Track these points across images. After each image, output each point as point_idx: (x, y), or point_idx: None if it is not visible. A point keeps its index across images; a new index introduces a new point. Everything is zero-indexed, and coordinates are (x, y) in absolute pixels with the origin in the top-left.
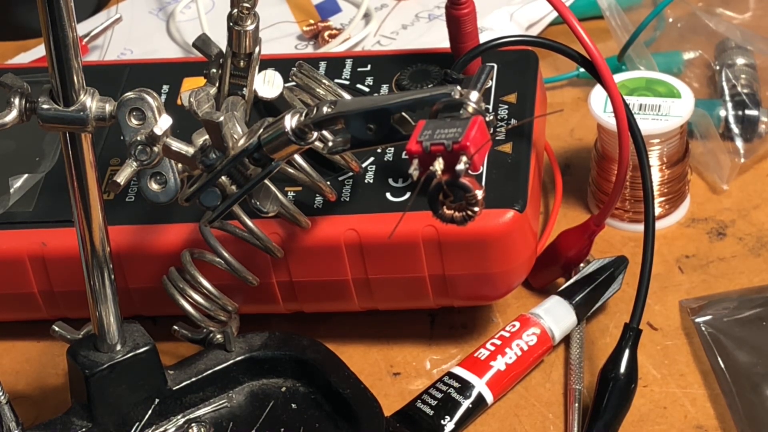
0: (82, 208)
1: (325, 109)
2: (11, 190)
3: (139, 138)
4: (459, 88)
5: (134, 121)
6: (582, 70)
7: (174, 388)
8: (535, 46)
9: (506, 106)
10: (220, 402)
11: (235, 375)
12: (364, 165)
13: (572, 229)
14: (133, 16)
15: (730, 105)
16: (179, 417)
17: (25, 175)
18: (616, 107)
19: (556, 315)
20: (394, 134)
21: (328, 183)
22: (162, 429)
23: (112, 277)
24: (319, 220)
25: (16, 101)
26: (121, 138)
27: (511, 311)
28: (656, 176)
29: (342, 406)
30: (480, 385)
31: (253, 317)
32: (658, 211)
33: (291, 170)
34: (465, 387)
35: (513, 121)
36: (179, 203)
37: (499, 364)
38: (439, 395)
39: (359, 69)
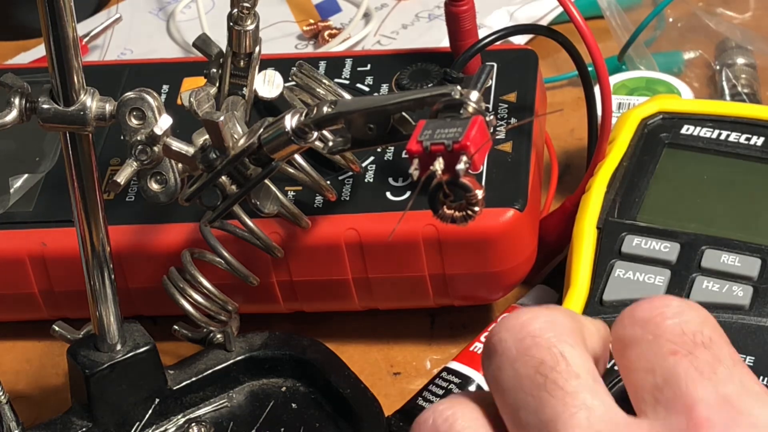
0: (82, 208)
1: (325, 109)
2: (11, 190)
3: (139, 138)
4: (459, 87)
5: (134, 121)
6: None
7: (174, 388)
8: (530, 33)
9: (506, 106)
10: (220, 402)
11: (236, 375)
12: (364, 164)
13: (550, 214)
14: (133, 16)
15: None
16: (179, 417)
17: (25, 175)
18: (604, 97)
19: (543, 303)
20: (394, 134)
21: (328, 182)
22: (162, 429)
23: (112, 277)
24: (319, 220)
25: (16, 101)
26: (121, 138)
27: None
28: None
29: (342, 406)
30: (479, 378)
31: (253, 317)
32: None
33: (291, 170)
34: (465, 382)
35: (513, 121)
36: (179, 203)
37: None
38: (441, 392)
39: (359, 68)
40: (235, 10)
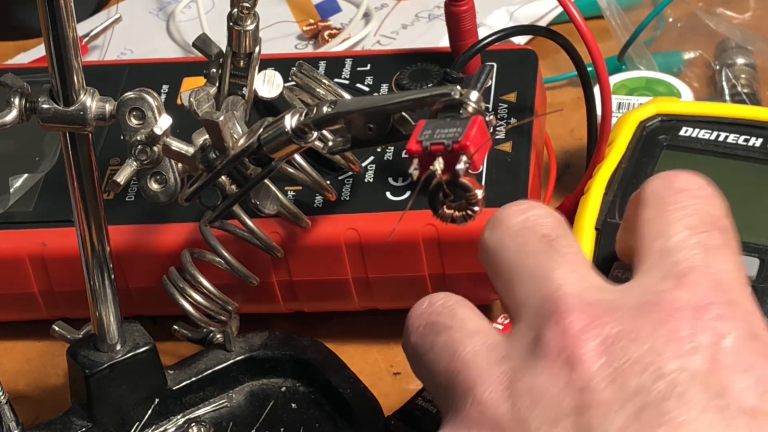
0: (82, 208)
1: (325, 109)
2: (11, 190)
3: (139, 138)
4: (459, 87)
5: (134, 121)
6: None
7: (174, 388)
8: (530, 33)
9: (506, 106)
10: (220, 402)
11: (235, 375)
12: (364, 164)
13: None
14: (133, 16)
15: None
16: (179, 417)
17: (25, 175)
18: (604, 98)
19: None
20: (394, 134)
21: (328, 182)
22: (162, 429)
23: (112, 277)
24: (319, 220)
25: (16, 101)
26: (121, 138)
27: None
28: None
29: (342, 406)
30: None
31: (253, 317)
32: None
33: (291, 170)
34: None
35: (513, 121)
36: (179, 203)
37: None
38: None
39: (359, 68)
40: (235, 10)
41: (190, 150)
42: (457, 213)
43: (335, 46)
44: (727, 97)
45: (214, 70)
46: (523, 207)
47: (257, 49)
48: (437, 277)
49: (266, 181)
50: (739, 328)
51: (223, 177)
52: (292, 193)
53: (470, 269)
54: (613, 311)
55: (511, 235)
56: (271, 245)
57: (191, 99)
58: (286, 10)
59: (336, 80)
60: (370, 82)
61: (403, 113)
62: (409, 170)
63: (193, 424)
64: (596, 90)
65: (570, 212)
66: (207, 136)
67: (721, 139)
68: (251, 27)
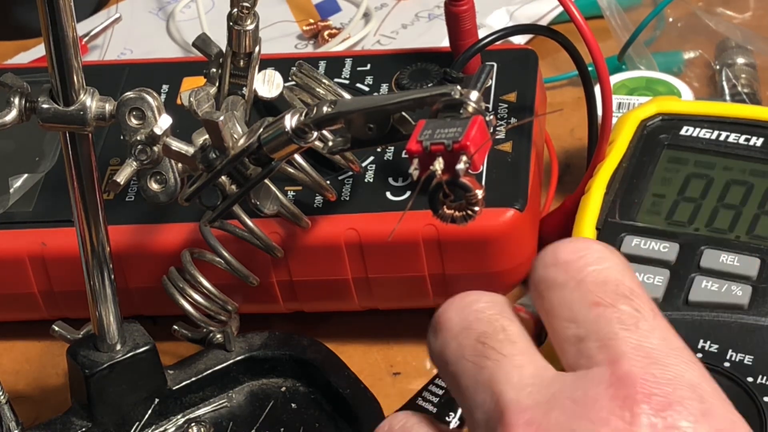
0: (82, 208)
1: (325, 109)
2: (11, 190)
3: (139, 138)
4: (459, 87)
5: (134, 121)
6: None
7: (174, 388)
8: (530, 33)
9: (506, 106)
10: (220, 402)
11: (235, 375)
12: (364, 164)
13: (550, 214)
14: (133, 15)
15: None
16: (179, 417)
17: (25, 175)
18: (605, 98)
19: None
20: (394, 134)
21: (328, 182)
22: (162, 429)
23: (112, 277)
24: (319, 220)
25: (16, 101)
26: (121, 138)
27: None
28: None
29: (342, 406)
30: None
31: (253, 317)
32: None
33: (291, 170)
34: None
35: (513, 121)
36: (179, 203)
37: None
38: (440, 392)
39: (359, 68)
40: (235, 10)
41: (190, 150)
42: (457, 213)
43: (335, 46)
44: (728, 97)
45: (214, 70)
46: (463, 302)
47: (257, 48)
48: (437, 277)
49: (266, 181)
50: (685, 413)
51: (223, 177)
52: (292, 193)
53: (470, 269)
54: (552, 411)
55: (451, 341)
56: (271, 245)
57: (191, 99)
58: (286, 10)
59: (336, 80)
60: (370, 82)
61: (403, 113)
62: (409, 170)
63: (193, 424)
64: (597, 89)
65: (570, 212)
66: (207, 136)
67: (721, 138)
68: (251, 27)
